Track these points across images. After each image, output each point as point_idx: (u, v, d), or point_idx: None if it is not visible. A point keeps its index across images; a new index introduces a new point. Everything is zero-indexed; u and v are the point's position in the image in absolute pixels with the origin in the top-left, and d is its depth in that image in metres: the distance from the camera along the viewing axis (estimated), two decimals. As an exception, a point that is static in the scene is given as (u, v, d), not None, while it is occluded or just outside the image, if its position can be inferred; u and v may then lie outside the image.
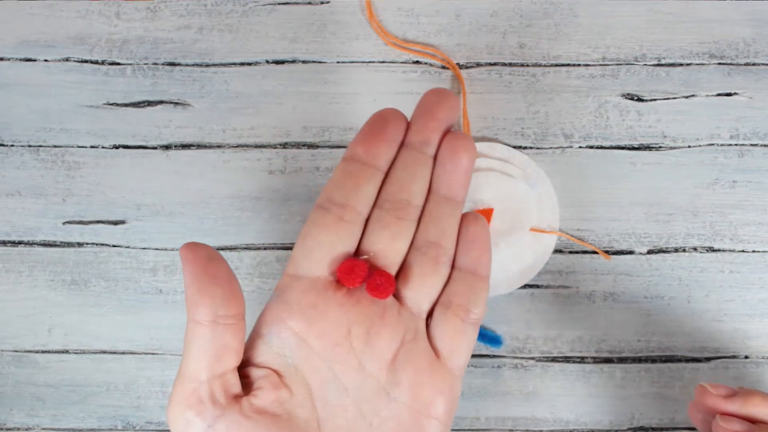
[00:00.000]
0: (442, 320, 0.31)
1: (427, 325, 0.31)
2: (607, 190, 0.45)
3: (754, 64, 0.46)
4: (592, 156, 0.46)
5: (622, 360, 0.44)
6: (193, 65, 0.47)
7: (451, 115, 0.32)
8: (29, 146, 0.46)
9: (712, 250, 0.45)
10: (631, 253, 0.45)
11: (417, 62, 0.46)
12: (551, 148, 0.46)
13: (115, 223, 0.46)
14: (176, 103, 0.46)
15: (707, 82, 0.46)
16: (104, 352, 0.45)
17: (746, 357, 0.44)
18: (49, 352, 0.45)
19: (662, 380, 0.44)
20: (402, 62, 0.47)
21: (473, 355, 0.44)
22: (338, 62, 0.47)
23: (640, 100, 0.46)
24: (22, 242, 0.46)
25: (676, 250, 0.45)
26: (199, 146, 0.46)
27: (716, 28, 0.46)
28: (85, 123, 0.46)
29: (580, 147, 0.46)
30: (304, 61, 0.47)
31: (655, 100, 0.46)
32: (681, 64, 0.46)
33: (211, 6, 0.47)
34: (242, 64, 0.47)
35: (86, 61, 0.47)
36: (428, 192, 0.32)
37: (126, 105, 0.46)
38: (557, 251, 0.45)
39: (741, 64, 0.46)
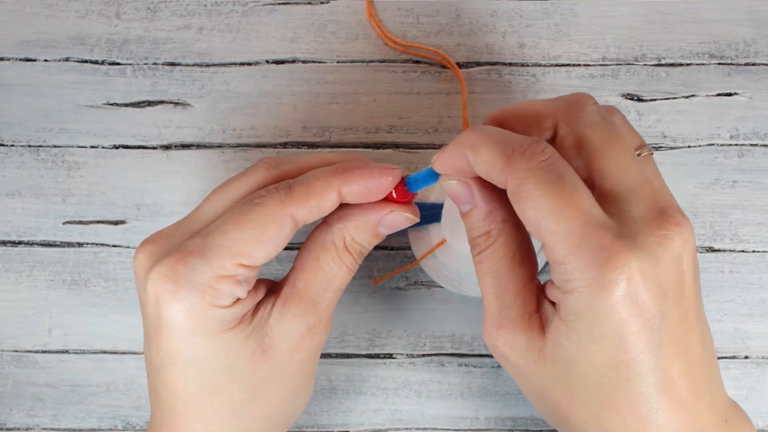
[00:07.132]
0: None
1: None
2: (607, 190, 0.45)
3: (754, 64, 0.46)
4: (592, 156, 0.45)
5: (622, 360, 0.44)
6: (193, 65, 0.47)
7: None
8: (29, 146, 0.46)
9: (712, 250, 0.45)
10: (631, 253, 0.45)
11: (417, 62, 0.46)
12: (551, 148, 0.46)
13: (115, 223, 0.46)
14: (176, 103, 0.46)
15: (707, 82, 0.46)
16: (104, 352, 0.45)
17: (746, 357, 0.44)
18: (49, 352, 0.45)
19: (662, 380, 0.44)
20: (402, 62, 0.46)
21: (473, 355, 0.44)
22: (338, 62, 0.47)
23: (640, 100, 0.46)
24: (22, 242, 0.46)
25: (676, 250, 0.45)
26: (199, 146, 0.46)
27: (716, 28, 0.46)
28: (85, 123, 0.46)
29: (580, 147, 0.46)
30: (304, 61, 0.47)
31: (655, 100, 0.46)
32: (681, 64, 0.46)
33: (211, 6, 0.47)
34: (242, 64, 0.47)
35: (86, 61, 0.47)
36: None
37: (126, 105, 0.46)
38: (557, 251, 0.45)
39: (741, 64, 0.46)
